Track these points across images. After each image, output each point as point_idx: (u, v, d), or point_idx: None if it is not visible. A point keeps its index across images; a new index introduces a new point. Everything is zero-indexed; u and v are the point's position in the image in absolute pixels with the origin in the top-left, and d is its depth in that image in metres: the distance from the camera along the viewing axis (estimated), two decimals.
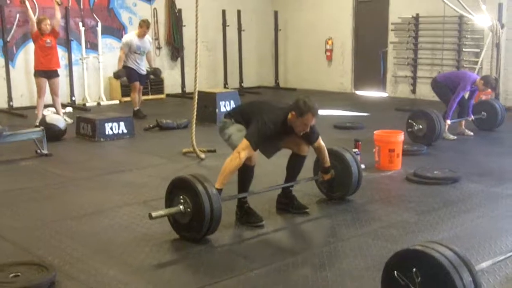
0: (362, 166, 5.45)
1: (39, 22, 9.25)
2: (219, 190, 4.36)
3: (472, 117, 8.56)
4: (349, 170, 5.19)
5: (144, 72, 10.49)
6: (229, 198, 4.65)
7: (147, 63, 10.52)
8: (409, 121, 7.89)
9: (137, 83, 10.35)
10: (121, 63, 10.19)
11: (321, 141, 5.00)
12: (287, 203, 5.09)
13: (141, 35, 10.16)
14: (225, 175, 4.43)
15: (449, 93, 8.20)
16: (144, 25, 10.14)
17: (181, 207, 4.29)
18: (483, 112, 8.79)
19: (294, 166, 5.06)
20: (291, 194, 5.11)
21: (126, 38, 10.38)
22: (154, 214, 4.25)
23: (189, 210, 4.26)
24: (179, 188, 4.37)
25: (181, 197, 4.31)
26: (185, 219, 4.32)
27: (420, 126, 7.76)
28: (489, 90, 8.48)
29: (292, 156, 5.06)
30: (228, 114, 4.95)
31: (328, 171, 5.19)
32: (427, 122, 7.71)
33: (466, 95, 8.41)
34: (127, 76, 10.38)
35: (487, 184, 5.93)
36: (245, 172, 4.66)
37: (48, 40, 9.24)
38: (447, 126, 8.05)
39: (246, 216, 4.76)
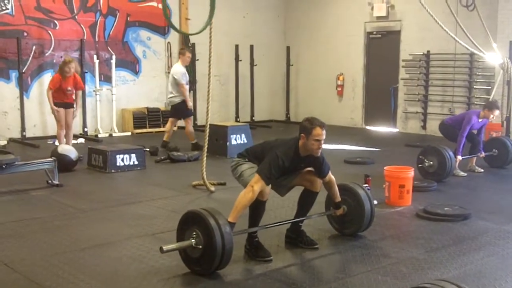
0: (375, 202, 5.43)
1: (64, 64, 9.07)
2: (232, 224, 4.37)
3: (483, 154, 8.53)
4: (362, 207, 5.18)
5: None
6: (239, 232, 4.64)
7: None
8: (420, 157, 7.89)
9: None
10: (188, 97, 9.81)
11: (331, 175, 5.03)
12: (295, 238, 5.08)
13: (185, 62, 9.93)
14: (239, 209, 4.46)
15: (457, 132, 8.20)
16: (185, 51, 9.94)
17: (193, 241, 4.29)
18: (494, 149, 8.76)
19: (306, 202, 5.07)
20: (300, 229, 5.10)
21: (180, 70, 9.81)
22: (165, 248, 4.25)
23: (200, 245, 4.26)
24: (192, 222, 4.37)
25: (194, 231, 4.30)
26: (196, 254, 4.31)
27: (431, 163, 7.74)
28: (497, 112, 8.28)
29: (305, 192, 5.07)
30: (241, 154, 5.03)
31: (339, 206, 5.19)
32: (438, 158, 7.70)
33: (475, 131, 8.38)
34: (183, 111, 10.02)
35: (497, 222, 5.89)
36: (257, 207, 4.67)
37: (69, 88, 9.12)
38: (457, 162, 8.03)
39: (255, 250, 4.76)
